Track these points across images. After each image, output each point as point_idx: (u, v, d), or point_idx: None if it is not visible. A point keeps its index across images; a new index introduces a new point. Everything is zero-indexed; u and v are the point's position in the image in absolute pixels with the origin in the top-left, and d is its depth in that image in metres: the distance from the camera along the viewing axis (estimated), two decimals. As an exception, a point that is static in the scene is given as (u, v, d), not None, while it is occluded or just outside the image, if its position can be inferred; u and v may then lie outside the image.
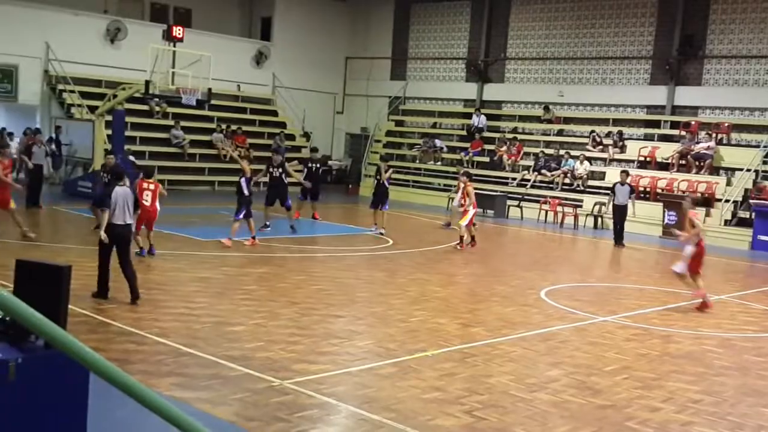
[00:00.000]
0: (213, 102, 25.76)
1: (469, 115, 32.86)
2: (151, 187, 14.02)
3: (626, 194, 21.36)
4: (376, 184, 20.52)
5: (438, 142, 32.20)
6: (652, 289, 14.53)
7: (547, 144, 29.99)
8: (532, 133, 31.27)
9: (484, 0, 33.02)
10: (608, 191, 22.89)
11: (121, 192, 10.59)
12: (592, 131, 28.92)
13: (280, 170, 19.36)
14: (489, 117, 32.39)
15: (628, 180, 22.06)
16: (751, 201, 23.19)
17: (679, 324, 11.53)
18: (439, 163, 31.53)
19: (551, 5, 31.69)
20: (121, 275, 10.37)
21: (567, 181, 27.57)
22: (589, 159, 28.15)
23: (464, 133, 32.65)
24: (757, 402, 8.00)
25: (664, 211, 24.09)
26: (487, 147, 31.06)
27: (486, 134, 31.73)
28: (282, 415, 6.59)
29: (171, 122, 29.33)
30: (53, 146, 25.58)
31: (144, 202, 13.60)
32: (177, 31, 22.44)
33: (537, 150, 29.62)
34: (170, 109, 29.35)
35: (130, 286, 10.33)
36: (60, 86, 27.83)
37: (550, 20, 31.78)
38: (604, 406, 7.45)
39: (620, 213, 21.35)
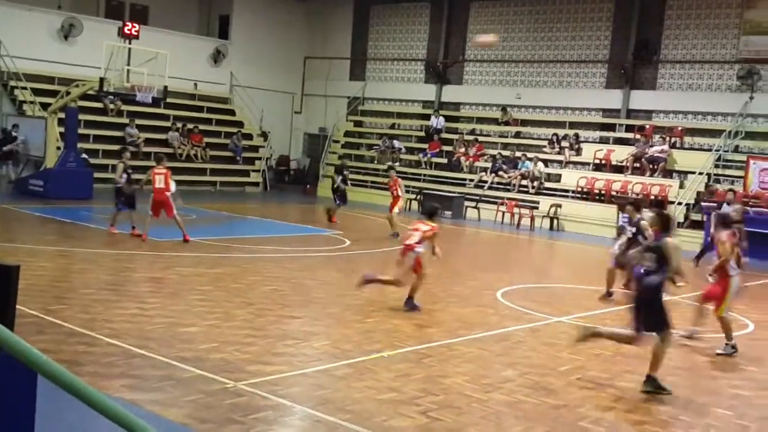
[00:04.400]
0: (169, 100, 25.45)
1: (427, 116, 32.97)
2: (162, 171, 16.14)
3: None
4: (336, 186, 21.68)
5: (396, 143, 32.27)
6: (605, 291, 14.66)
7: (505, 146, 30.23)
8: (489, 135, 31.50)
9: (444, 2, 33.17)
10: (565, 193, 23.15)
11: None
12: (554, 134, 29.22)
13: None
14: (447, 118, 32.54)
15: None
16: (703, 204, 23.60)
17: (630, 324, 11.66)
18: (397, 164, 31.59)
19: (510, 8, 31.95)
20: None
21: (524, 182, 27.81)
22: (546, 161, 28.44)
23: (423, 134, 32.77)
24: (708, 402, 8.13)
25: (618, 214, 24.38)
26: (446, 148, 31.21)
27: (444, 135, 31.87)
28: (236, 416, 6.52)
29: (126, 120, 28.92)
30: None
31: (158, 186, 15.88)
32: (133, 28, 22.15)
33: (494, 152, 29.85)
34: (125, 107, 28.93)
35: None
36: (12, 83, 27.26)
37: (508, 23, 32.03)
38: (557, 406, 7.51)
39: None
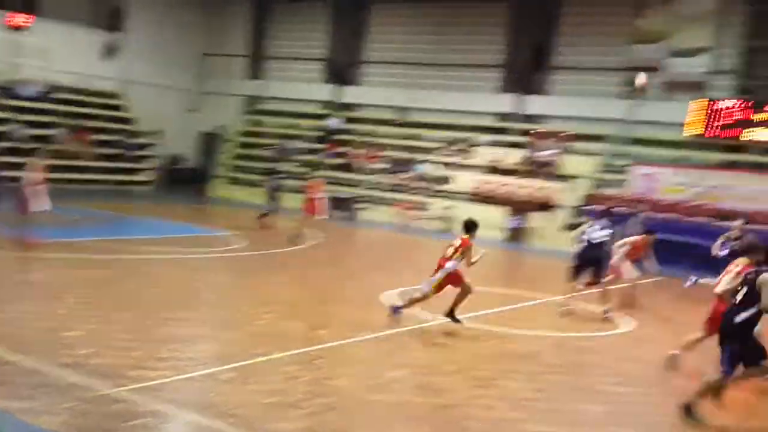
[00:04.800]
0: (56, 95, 24.51)
1: (325, 117, 32.93)
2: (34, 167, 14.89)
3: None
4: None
5: (293, 144, 32.08)
6: (493, 292, 15.00)
7: (400, 148, 30.50)
8: (386, 137, 31.69)
9: (344, 2, 33.19)
10: (458, 195, 23.51)
11: None
12: (455, 138, 29.64)
13: None
14: (345, 120, 32.59)
15: None
16: (586, 207, 24.44)
17: (517, 324, 11.99)
18: (294, 164, 31.41)
19: (409, 11, 32.30)
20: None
21: (417, 184, 28.14)
22: (440, 163, 28.86)
23: (320, 134, 32.70)
24: (582, 398, 8.42)
25: (508, 216, 25.10)
26: (342, 149, 31.24)
27: (341, 137, 31.91)
28: (113, 424, 6.32)
29: (8, 115, 27.64)
30: None
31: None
32: (20, 18, 21.23)
33: (390, 153, 30.08)
34: (8, 102, 27.65)
35: None
36: None
37: (407, 25, 32.37)
38: (443, 406, 7.62)
39: None
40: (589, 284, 13.08)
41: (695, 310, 15.02)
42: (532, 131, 28.67)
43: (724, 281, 9.02)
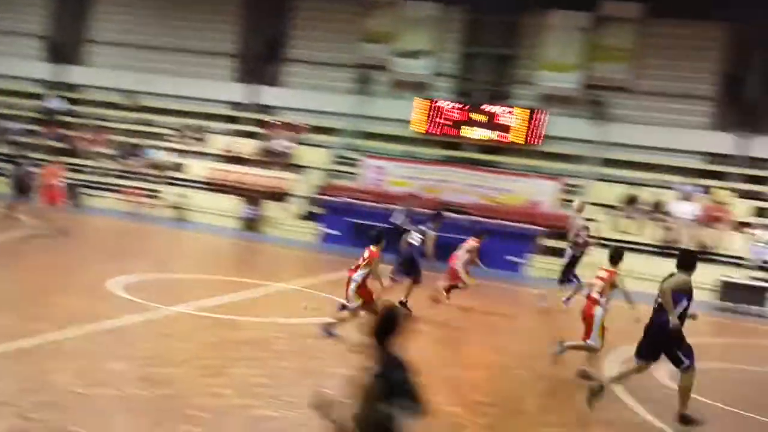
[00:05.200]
0: None
1: (44, 97, 30.66)
2: None
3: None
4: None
5: (11, 125, 29.47)
6: (226, 280, 14.93)
7: (130, 133, 29.18)
8: (115, 121, 30.15)
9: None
10: (191, 183, 22.94)
11: None
12: (188, 125, 28.87)
13: None
14: (68, 101, 30.58)
15: None
16: (319, 197, 25.10)
17: (248, 312, 12.01)
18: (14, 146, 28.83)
19: (137, -8, 30.99)
20: None
21: (148, 171, 27.17)
22: (172, 150, 28.07)
23: (40, 116, 30.35)
24: (312, 382, 8.62)
25: (242, 205, 25.05)
26: (65, 132, 29.26)
27: (64, 119, 29.90)
28: None
29: None
30: None
31: None
32: None
33: (119, 138, 28.71)
34: None
35: None
36: None
37: (136, 7, 31.09)
38: (167, 396, 7.45)
39: None
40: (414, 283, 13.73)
41: (416, 296, 16.06)
42: (268, 121, 28.82)
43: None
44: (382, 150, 27.29)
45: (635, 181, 24.59)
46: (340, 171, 26.93)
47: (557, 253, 22.72)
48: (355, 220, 23.06)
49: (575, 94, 26.78)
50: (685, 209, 23.00)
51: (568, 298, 15.51)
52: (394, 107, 27.82)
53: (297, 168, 27.29)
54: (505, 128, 26.52)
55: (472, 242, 14.90)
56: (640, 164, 25.41)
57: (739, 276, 19.97)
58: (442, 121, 27.14)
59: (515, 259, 22.24)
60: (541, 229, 23.02)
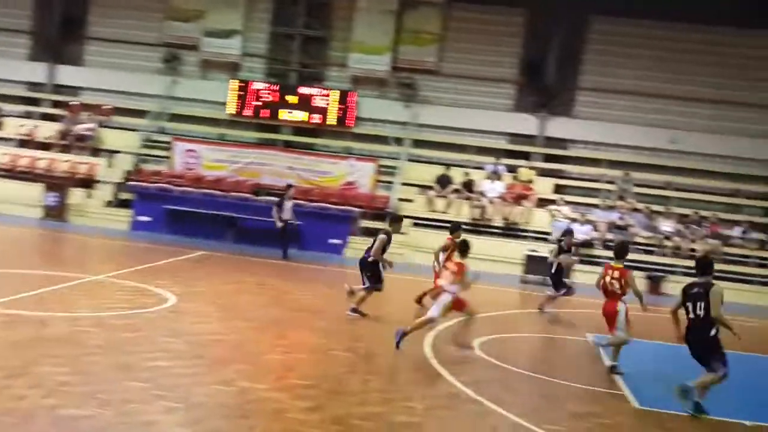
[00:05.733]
0: None
1: None
2: None
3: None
4: None
5: None
6: (29, 273, 13.97)
7: None
8: None
9: None
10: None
11: None
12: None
13: None
14: None
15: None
16: (130, 183, 24.02)
17: (55, 307, 11.26)
18: None
19: None
20: None
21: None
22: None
23: None
24: (126, 377, 8.22)
25: (45, 193, 23.47)
26: None
27: None
28: None
29: None
30: None
31: None
32: None
33: None
34: None
35: None
36: None
37: None
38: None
39: None
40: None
41: (235, 283, 15.79)
42: (67, 103, 27.15)
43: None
44: (194, 133, 26.53)
45: (446, 162, 25.45)
46: (150, 155, 25.89)
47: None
48: (169, 207, 22.36)
49: (386, 76, 27.28)
50: (493, 188, 24.13)
51: (545, 303, 15.35)
52: (207, 88, 27.15)
53: (103, 152, 25.93)
54: (320, 110, 26.58)
55: (447, 241, 14.24)
56: (450, 145, 26.35)
57: (544, 250, 21.18)
58: (256, 102, 26.77)
59: (336, 241, 22.41)
60: (360, 210, 23.32)
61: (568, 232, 16.41)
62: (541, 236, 22.70)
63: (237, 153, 25.37)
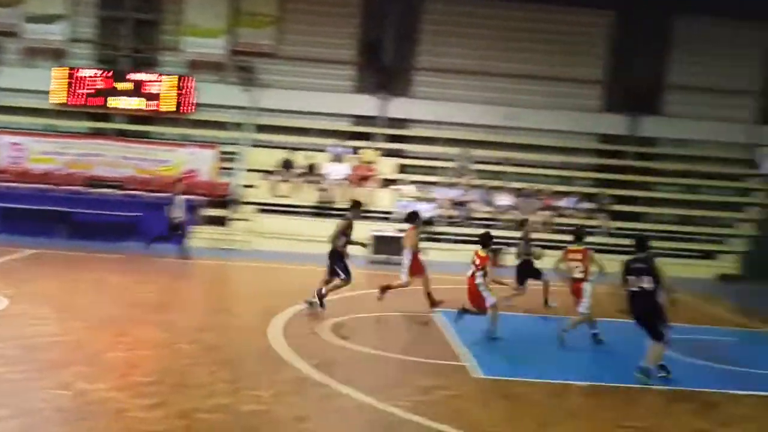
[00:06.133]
0: None
1: None
2: None
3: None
4: None
5: None
6: None
7: None
8: None
9: None
10: None
11: None
12: None
13: None
14: None
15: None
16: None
17: None
18: None
19: None
20: None
21: None
22: None
23: None
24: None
25: None
26: None
27: None
28: None
29: None
30: None
31: None
32: None
33: None
34: None
35: None
36: None
37: None
38: None
39: None
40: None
41: (71, 281, 15.00)
42: None
43: None
44: (17, 125, 24.89)
45: (289, 146, 25.19)
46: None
47: (219, 222, 22.78)
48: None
49: (223, 60, 26.62)
50: (337, 170, 24.14)
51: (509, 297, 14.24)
52: (29, 77, 25.51)
53: None
54: (154, 96, 25.57)
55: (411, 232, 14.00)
56: (293, 129, 26.09)
57: (389, 229, 21.41)
58: (84, 90, 25.42)
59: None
60: (202, 198, 22.69)
61: (525, 222, 15.95)
62: (386, 216, 22.94)
63: (66, 144, 24.02)
